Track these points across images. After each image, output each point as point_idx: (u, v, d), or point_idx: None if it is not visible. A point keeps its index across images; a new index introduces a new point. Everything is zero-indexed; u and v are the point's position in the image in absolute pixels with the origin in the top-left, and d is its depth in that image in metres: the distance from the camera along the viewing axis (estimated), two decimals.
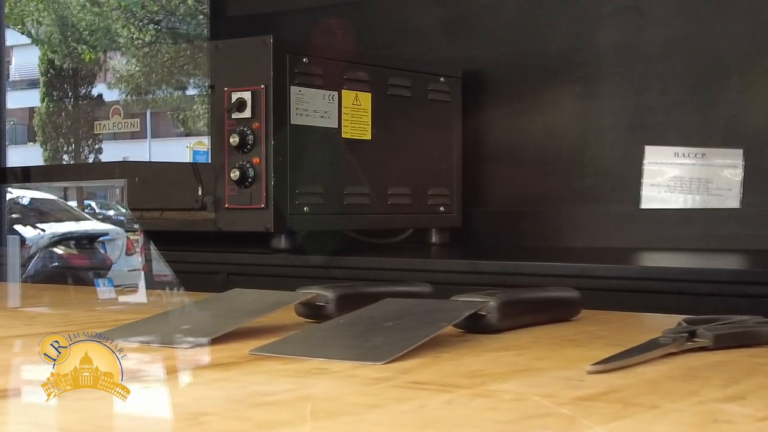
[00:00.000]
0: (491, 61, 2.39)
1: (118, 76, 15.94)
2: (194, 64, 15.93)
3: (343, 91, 2.09)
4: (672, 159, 2.13)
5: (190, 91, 16.22)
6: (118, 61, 16.00)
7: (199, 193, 2.03)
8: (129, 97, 15.92)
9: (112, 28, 14.92)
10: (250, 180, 1.96)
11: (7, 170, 2.30)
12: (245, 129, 1.96)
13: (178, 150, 16.40)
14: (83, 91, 15.73)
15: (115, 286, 1.51)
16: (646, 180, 2.15)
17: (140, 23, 15.36)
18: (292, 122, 1.98)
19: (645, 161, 2.16)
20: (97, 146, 16.03)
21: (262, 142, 1.95)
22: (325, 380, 0.75)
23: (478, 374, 0.78)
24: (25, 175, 2.18)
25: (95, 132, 14.30)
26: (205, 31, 13.58)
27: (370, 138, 2.14)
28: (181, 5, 14.75)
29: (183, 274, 2.03)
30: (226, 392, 0.72)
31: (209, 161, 2.07)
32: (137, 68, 15.64)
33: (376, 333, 0.85)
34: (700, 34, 2.16)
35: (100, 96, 16.20)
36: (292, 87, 1.98)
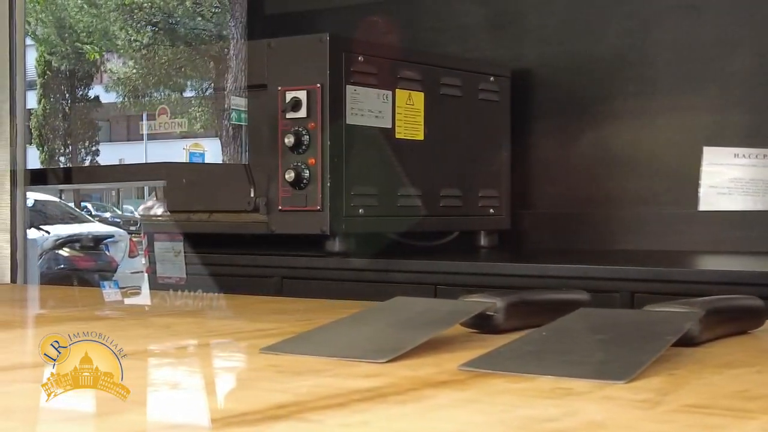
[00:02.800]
0: (540, 60, 2.34)
1: (116, 78, 15.85)
2: (192, 66, 15.87)
3: (397, 91, 2.04)
4: (731, 160, 2.09)
5: (188, 94, 16.16)
6: (114, 63, 15.92)
7: (252, 194, 1.98)
8: (127, 99, 15.83)
9: (109, 30, 14.84)
10: (305, 181, 1.91)
11: (48, 171, 2.23)
12: (300, 129, 1.91)
13: (175, 152, 16.31)
14: (80, 92, 15.64)
15: (120, 288, 1.46)
16: (705, 181, 2.11)
17: (138, 25, 15.29)
18: (347, 122, 1.93)
19: (703, 162, 2.11)
20: (94, 148, 15.95)
21: (318, 143, 1.90)
22: (587, 402, 0.69)
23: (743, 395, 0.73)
24: (67, 176, 2.13)
25: (140, 132, 14.14)
26: (225, 31, 13.54)
27: (422, 138, 2.09)
28: (179, 6, 14.67)
29: (234, 278, 1.99)
30: (495, 417, 0.66)
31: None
32: (135, 70, 15.56)
33: (594, 347, 0.80)
34: (759, 32, 2.11)
35: (97, 98, 16.12)
36: (347, 86, 1.93)
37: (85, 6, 14.56)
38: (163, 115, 12.27)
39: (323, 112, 1.90)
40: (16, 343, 1.05)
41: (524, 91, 2.32)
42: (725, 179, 2.09)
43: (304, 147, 1.91)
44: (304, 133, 1.91)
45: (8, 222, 2.20)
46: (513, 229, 2.29)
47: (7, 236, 2.22)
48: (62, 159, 15.85)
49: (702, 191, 2.11)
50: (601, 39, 2.27)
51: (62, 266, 7.07)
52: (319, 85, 1.90)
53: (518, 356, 0.81)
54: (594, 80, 2.28)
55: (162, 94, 16.19)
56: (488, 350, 0.84)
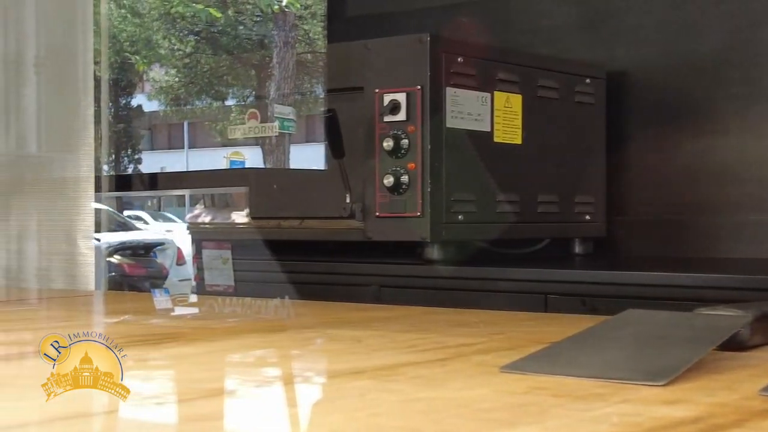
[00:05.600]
0: (637, 61, 2.26)
1: (158, 86, 15.93)
2: (234, 75, 15.90)
3: (495, 93, 1.97)
4: None
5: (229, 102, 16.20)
6: (157, 72, 16.00)
7: (347, 200, 1.91)
8: (168, 107, 15.89)
9: (152, 39, 14.92)
10: (404, 186, 1.84)
11: (133, 176, 2.19)
12: (399, 132, 1.85)
13: (215, 160, 16.36)
14: (123, 101, 15.72)
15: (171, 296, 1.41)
16: None
17: (180, 34, 15.36)
18: (447, 125, 1.87)
19: None
20: (137, 156, 16.02)
21: (418, 147, 1.84)
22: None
23: None
24: (152, 182, 2.08)
25: (229, 137, 14.13)
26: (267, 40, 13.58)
27: (520, 142, 2.02)
28: (221, 15, 14.72)
29: (329, 286, 1.93)
30: None
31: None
32: (177, 79, 15.63)
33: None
34: None
35: (140, 107, 16.20)
36: (447, 88, 1.87)
37: (129, 15, 14.63)
38: (252, 120, 12.15)
39: (423, 115, 1.83)
40: (215, 359, 0.97)
41: (620, 93, 2.24)
42: None
43: (403, 151, 1.85)
44: (403, 136, 1.85)
45: (92, 229, 2.16)
46: (608, 236, 2.21)
47: (91, 243, 2.18)
48: (105, 167, 15.95)
49: None
50: (702, 39, 2.19)
51: (112, 273, 7.06)
52: (419, 87, 1.84)
53: None
54: (694, 82, 2.20)
55: (203, 102, 16.25)
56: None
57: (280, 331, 1.14)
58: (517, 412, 0.69)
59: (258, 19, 15.15)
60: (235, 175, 2.43)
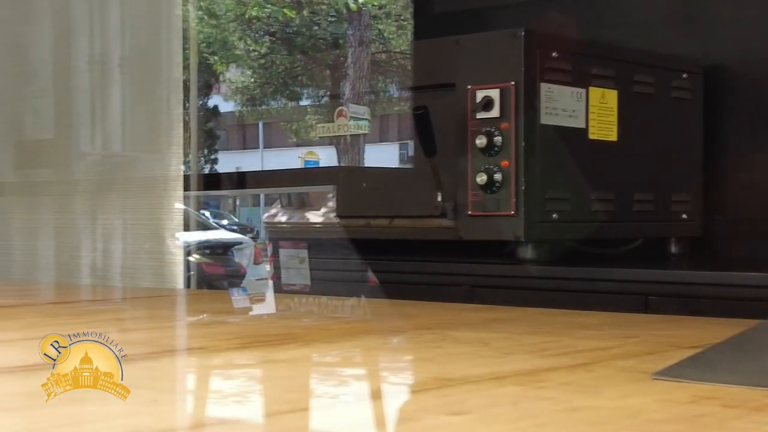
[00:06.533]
0: (734, 55, 2.19)
1: (234, 87, 16.08)
2: (308, 75, 15.99)
3: (591, 89, 1.92)
4: None
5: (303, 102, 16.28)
6: (232, 73, 16.15)
7: (439, 199, 1.88)
8: (244, 108, 16.03)
9: (228, 40, 15.06)
10: (497, 185, 1.80)
11: (222, 175, 2.19)
12: (492, 130, 1.81)
13: (290, 160, 16.46)
14: (200, 102, 15.90)
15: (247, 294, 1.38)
16: None
17: (255, 35, 15.48)
18: (541, 122, 1.82)
19: None
20: (213, 157, 16.18)
21: (512, 144, 1.79)
22: None
23: None
24: (241, 181, 2.07)
25: (319, 135, 14.23)
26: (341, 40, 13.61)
27: (615, 139, 1.97)
28: (297, 16, 14.80)
29: (418, 286, 1.90)
30: None
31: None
32: (253, 79, 15.75)
33: None
34: None
35: (215, 107, 16.36)
36: (542, 84, 1.82)
37: (205, 17, 14.78)
38: (341, 117, 12.16)
39: (517, 112, 1.79)
40: (344, 361, 0.95)
41: (717, 88, 2.17)
42: None
43: (496, 148, 1.81)
44: (496, 133, 1.81)
45: (180, 228, 2.16)
46: (705, 235, 2.14)
47: (179, 242, 2.18)
48: (182, 167, 16.12)
49: None
50: None
51: (191, 272, 7.12)
52: (513, 82, 1.80)
53: None
54: None
55: (278, 102, 16.35)
56: None
57: (398, 333, 1.11)
58: (692, 424, 0.65)
59: (332, 19, 15.20)
60: (323, 173, 2.42)
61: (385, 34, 14.45)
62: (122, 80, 2.62)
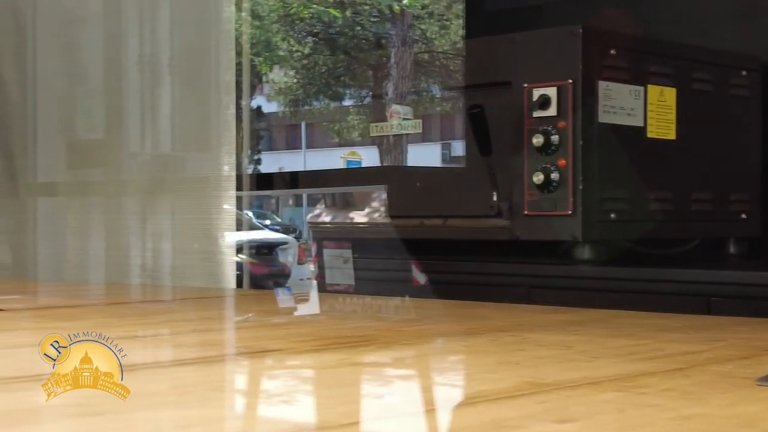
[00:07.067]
0: None
1: (277, 88, 16.13)
2: (351, 75, 16.01)
3: (649, 87, 1.89)
4: None
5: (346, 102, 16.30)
6: (276, 74, 16.20)
7: (494, 198, 1.86)
8: (287, 108, 16.08)
9: (272, 41, 15.11)
10: (554, 184, 1.78)
11: (275, 175, 2.18)
12: (550, 128, 1.79)
13: (332, 160, 16.49)
14: (243, 102, 15.95)
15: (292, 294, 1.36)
16: None
17: (299, 35, 15.52)
18: (599, 120, 1.80)
19: None
20: (256, 157, 16.24)
21: (569, 143, 1.77)
22: None
23: None
24: (293, 181, 2.06)
25: (371, 134, 14.36)
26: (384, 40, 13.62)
27: (674, 138, 1.93)
28: (340, 17, 14.83)
29: (474, 286, 1.88)
30: None
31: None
32: (296, 80, 15.79)
33: None
34: None
35: (259, 108, 16.43)
36: (600, 82, 1.80)
37: (249, 18, 14.85)
38: (395, 117, 12.23)
39: (575, 110, 1.77)
40: (435, 365, 0.93)
41: None
42: None
43: (553, 147, 1.78)
44: (553, 132, 1.78)
45: (233, 228, 2.15)
46: (763, 236, 2.10)
47: (231, 242, 2.17)
48: (226, 167, 16.21)
49: None
50: None
51: (238, 272, 7.15)
52: (570, 81, 1.77)
53: None
54: None
55: (321, 102, 16.39)
56: None
57: (477, 335, 1.09)
58: None
59: (375, 19, 15.19)
60: (374, 173, 2.40)
61: (428, 34, 14.42)
62: (172, 80, 2.62)
